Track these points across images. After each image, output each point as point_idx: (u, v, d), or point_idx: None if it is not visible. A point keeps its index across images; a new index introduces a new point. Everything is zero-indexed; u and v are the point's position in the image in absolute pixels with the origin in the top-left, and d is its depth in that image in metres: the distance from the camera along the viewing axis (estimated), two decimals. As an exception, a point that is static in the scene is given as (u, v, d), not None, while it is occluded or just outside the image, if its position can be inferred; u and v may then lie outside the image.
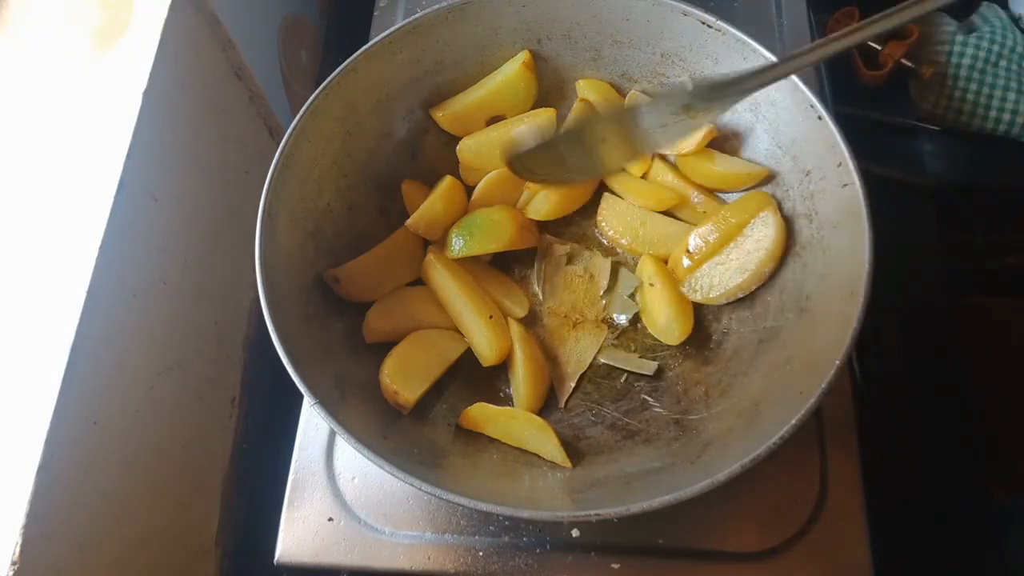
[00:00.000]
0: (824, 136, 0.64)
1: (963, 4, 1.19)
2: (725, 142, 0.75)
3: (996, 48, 1.11)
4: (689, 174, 0.76)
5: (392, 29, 0.71)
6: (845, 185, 0.62)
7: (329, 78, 0.69)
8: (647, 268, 0.72)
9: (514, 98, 0.76)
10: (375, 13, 0.96)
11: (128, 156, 0.67)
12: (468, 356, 0.75)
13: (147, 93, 0.70)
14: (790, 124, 0.68)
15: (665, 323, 0.70)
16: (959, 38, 1.12)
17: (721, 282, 0.69)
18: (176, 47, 0.75)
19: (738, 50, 0.69)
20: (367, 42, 0.71)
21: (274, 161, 0.65)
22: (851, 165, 0.62)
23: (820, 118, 0.65)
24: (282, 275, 0.64)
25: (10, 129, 0.70)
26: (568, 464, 0.64)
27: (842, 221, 0.62)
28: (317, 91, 0.68)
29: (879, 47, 1.12)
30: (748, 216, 0.68)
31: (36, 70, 0.73)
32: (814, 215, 0.66)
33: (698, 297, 0.70)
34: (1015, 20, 1.15)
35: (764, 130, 0.71)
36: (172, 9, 0.74)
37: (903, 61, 1.11)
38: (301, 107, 0.68)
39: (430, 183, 0.78)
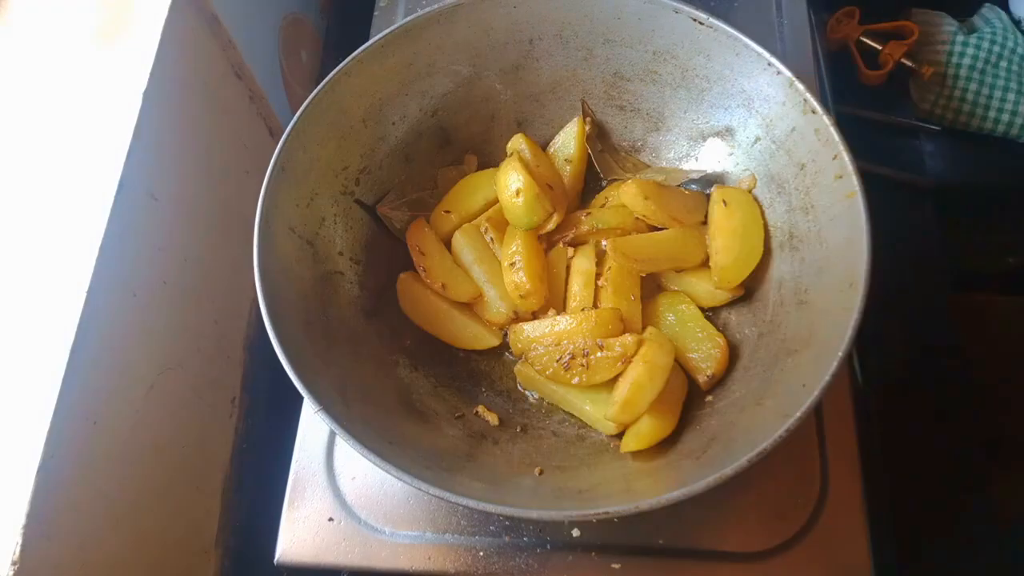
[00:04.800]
0: (818, 129, 0.65)
1: (964, 5, 1.20)
2: (719, 137, 0.75)
3: (996, 49, 1.11)
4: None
5: (383, 33, 0.71)
6: (840, 177, 0.62)
7: (321, 84, 0.69)
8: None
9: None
10: (375, 13, 0.96)
11: (128, 156, 0.67)
12: (468, 356, 0.75)
13: (147, 93, 0.70)
14: (784, 118, 0.68)
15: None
16: (959, 38, 1.12)
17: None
18: (176, 47, 0.75)
19: (730, 46, 0.69)
20: (367, 42, 0.71)
21: (269, 168, 0.65)
22: (846, 157, 0.62)
23: (814, 111, 0.65)
24: (282, 283, 0.64)
25: (10, 129, 0.70)
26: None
27: (839, 214, 0.62)
28: (310, 97, 0.68)
29: (879, 47, 1.13)
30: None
31: (36, 70, 0.73)
32: (810, 208, 0.66)
33: None
34: (1016, 22, 1.16)
35: (758, 124, 0.71)
36: (172, 9, 0.74)
37: (903, 61, 1.11)
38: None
39: (423, 187, 0.79)
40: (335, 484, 0.70)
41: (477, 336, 0.74)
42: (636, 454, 0.64)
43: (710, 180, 0.77)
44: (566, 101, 0.80)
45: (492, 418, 0.70)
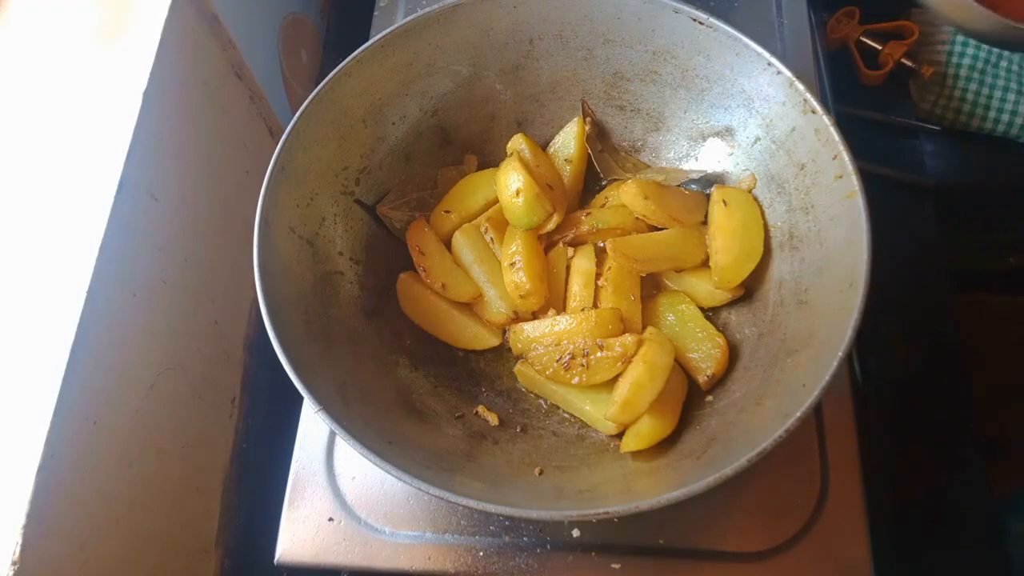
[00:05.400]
0: (818, 129, 0.65)
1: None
2: (719, 137, 0.75)
3: (996, 49, 1.11)
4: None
5: (383, 33, 0.71)
6: (840, 177, 0.62)
7: (321, 84, 0.69)
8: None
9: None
10: (375, 13, 0.96)
11: (128, 156, 0.67)
12: (468, 356, 0.75)
13: (147, 93, 0.70)
14: (784, 118, 0.68)
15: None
16: (959, 38, 1.12)
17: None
18: (176, 47, 0.75)
19: (730, 46, 0.69)
20: (367, 42, 0.71)
21: (269, 168, 0.65)
22: (846, 157, 0.62)
23: (814, 111, 0.65)
24: (281, 283, 0.64)
25: (10, 129, 0.70)
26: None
27: (839, 214, 0.62)
28: (310, 97, 0.68)
29: (879, 47, 1.12)
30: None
31: (36, 70, 0.73)
32: (810, 208, 0.66)
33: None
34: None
35: (758, 124, 0.72)
36: (172, 9, 0.74)
37: (903, 61, 1.11)
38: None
39: (423, 187, 0.79)
40: (335, 484, 0.70)
41: (477, 336, 0.74)
42: (636, 454, 0.64)
43: (710, 180, 0.77)
44: (566, 101, 0.80)
45: (492, 418, 0.70)
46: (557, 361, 0.67)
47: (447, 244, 0.77)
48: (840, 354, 0.54)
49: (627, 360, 0.65)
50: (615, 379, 0.66)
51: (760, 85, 0.69)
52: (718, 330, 0.70)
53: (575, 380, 0.67)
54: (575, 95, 0.80)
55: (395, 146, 0.77)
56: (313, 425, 0.73)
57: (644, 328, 0.70)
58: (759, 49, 0.67)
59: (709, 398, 0.67)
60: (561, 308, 0.74)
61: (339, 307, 0.70)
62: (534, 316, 0.73)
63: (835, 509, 0.66)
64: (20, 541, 0.55)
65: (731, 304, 0.72)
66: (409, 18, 0.72)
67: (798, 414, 0.52)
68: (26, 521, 0.55)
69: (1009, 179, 1.12)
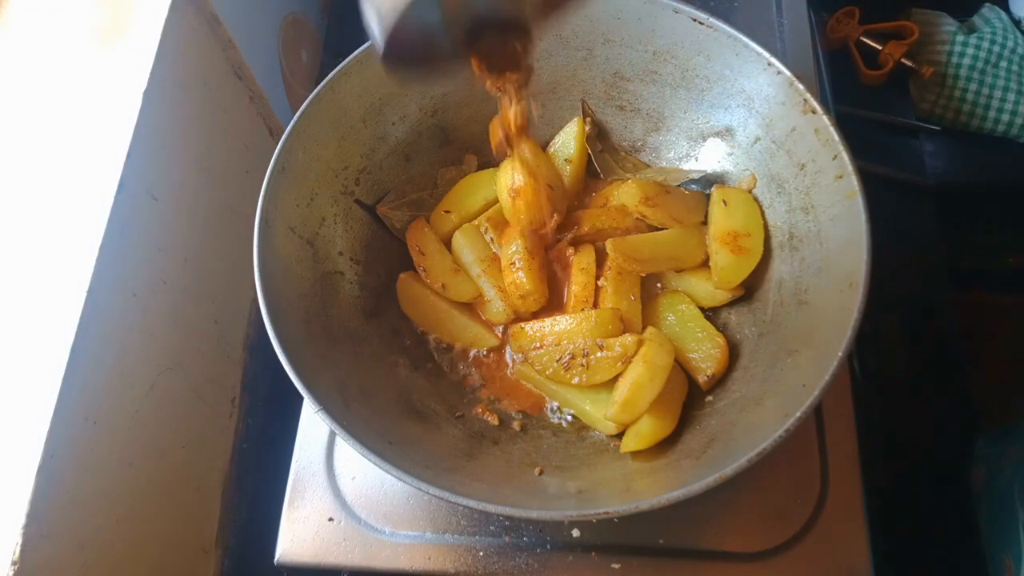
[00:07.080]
0: (818, 129, 0.65)
1: (964, 5, 1.20)
2: (719, 137, 0.75)
3: (996, 49, 1.11)
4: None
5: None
6: (840, 177, 0.62)
7: (321, 84, 0.69)
8: None
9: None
10: (375, 13, 0.96)
11: (128, 156, 0.67)
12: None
13: (147, 93, 0.70)
14: (784, 118, 0.68)
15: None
16: (959, 38, 1.12)
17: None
18: (176, 47, 0.74)
19: (730, 46, 0.69)
20: (367, 41, 0.71)
21: (269, 168, 0.65)
22: (846, 157, 0.62)
23: (814, 112, 0.65)
24: (281, 283, 0.64)
25: (10, 129, 0.70)
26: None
27: (839, 214, 0.62)
28: (310, 97, 0.68)
29: (879, 47, 1.13)
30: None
31: (36, 70, 0.73)
32: (810, 208, 0.66)
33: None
34: (1016, 22, 1.16)
35: (758, 124, 0.72)
36: (172, 9, 0.74)
37: (903, 61, 1.11)
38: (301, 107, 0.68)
39: (423, 187, 0.79)
40: (335, 484, 0.70)
41: (477, 336, 0.74)
42: (636, 454, 0.64)
43: (710, 180, 0.77)
44: (566, 101, 0.80)
45: (492, 418, 0.70)
46: (557, 361, 0.67)
47: (447, 244, 0.77)
48: (840, 354, 0.54)
49: (627, 360, 0.65)
50: (615, 379, 0.66)
51: (760, 85, 0.69)
52: (718, 330, 0.70)
53: (575, 380, 0.67)
54: (575, 95, 0.80)
55: (395, 146, 0.77)
56: (313, 425, 0.73)
57: (644, 328, 0.70)
58: (759, 49, 0.67)
59: (709, 398, 0.67)
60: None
61: (339, 307, 0.70)
62: (534, 316, 0.73)
63: (835, 509, 0.66)
64: (20, 541, 0.55)
65: (731, 304, 0.72)
66: (410, 18, 0.72)
67: (798, 414, 0.52)
68: (26, 521, 0.55)
69: (1009, 179, 1.13)
